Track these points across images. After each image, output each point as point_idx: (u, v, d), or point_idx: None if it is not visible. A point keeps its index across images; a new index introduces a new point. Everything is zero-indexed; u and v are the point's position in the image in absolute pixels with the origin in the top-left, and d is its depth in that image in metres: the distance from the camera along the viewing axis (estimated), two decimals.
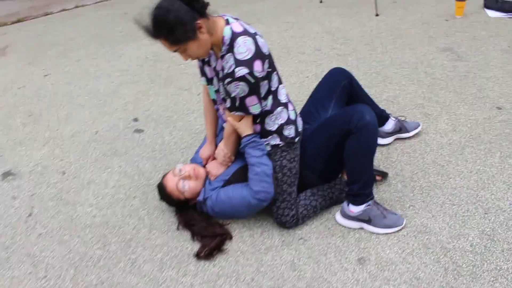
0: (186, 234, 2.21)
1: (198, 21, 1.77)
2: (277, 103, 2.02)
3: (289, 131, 2.07)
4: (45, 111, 3.67)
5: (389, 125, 2.52)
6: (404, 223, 2.05)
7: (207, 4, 1.82)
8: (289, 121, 2.07)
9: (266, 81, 1.93)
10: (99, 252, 2.21)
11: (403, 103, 2.95)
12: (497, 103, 2.81)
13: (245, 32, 1.83)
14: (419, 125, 2.60)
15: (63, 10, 6.73)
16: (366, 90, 2.49)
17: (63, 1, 7.27)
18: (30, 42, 5.44)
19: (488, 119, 2.68)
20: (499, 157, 2.38)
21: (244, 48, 1.79)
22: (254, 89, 1.86)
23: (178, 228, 2.24)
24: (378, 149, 2.55)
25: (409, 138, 2.60)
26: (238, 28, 1.84)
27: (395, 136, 2.57)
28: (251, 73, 1.79)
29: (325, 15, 4.69)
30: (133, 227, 2.32)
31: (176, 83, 3.76)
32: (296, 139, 2.10)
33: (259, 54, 1.81)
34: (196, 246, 2.12)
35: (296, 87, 3.37)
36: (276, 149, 2.07)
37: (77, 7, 6.78)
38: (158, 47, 4.42)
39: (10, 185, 2.82)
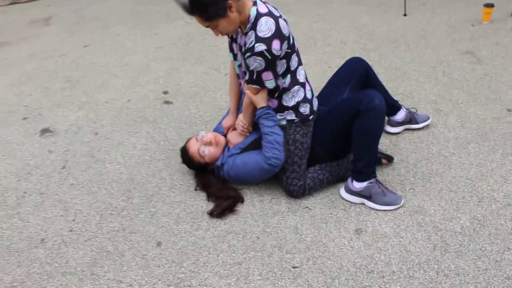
0: (202, 195, 2.43)
1: (229, 1, 1.98)
2: (295, 82, 2.21)
3: (305, 109, 2.26)
4: (82, 78, 3.93)
5: (400, 115, 2.69)
6: (402, 202, 2.22)
7: None
8: (305, 100, 2.26)
9: (284, 60, 2.12)
10: (123, 204, 2.44)
11: (417, 98, 3.10)
12: (508, 106, 2.94)
13: (269, 14, 2.02)
14: (428, 118, 2.75)
15: None
16: (385, 83, 2.66)
17: None
18: (72, 15, 5.73)
19: (497, 119, 2.82)
20: (501, 154, 2.53)
21: (265, 27, 1.98)
22: (270, 65, 2.05)
23: (196, 189, 2.46)
24: (387, 137, 2.72)
25: (418, 129, 2.76)
26: (263, 9, 2.04)
27: (405, 126, 2.74)
28: (269, 50, 1.99)
29: (355, 11, 4.84)
30: (155, 185, 2.55)
31: (206, 63, 3.98)
32: (311, 117, 2.29)
33: (279, 34, 2.00)
34: (210, 206, 2.34)
35: (318, 75, 3.55)
36: (291, 124, 2.26)
37: None
38: (192, 28, 4.66)
39: (47, 140, 3.08)
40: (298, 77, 2.22)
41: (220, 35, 2.11)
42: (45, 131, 3.21)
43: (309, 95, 2.28)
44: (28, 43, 4.92)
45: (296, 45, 2.18)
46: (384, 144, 2.65)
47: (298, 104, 2.24)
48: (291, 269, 1.97)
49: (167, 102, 3.40)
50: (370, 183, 2.21)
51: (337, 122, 2.26)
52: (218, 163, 2.39)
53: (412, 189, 2.34)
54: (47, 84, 3.90)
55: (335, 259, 1.99)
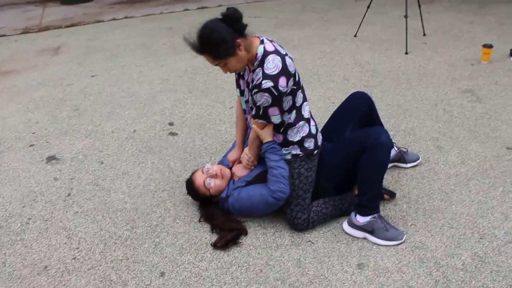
0: (206, 227, 2.45)
1: (238, 40, 2.06)
2: (300, 117, 2.27)
3: (309, 144, 2.31)
4: (89, 107, 4.00)
5: (391, 154, 2.74)
6: (404, 238, 2.25)
7: (246, 25, 2.12)
8: (310, 135, 2.31)
9: (290, 97, 2.19)
10: (127, 233, 2.46)
11: (418, 135, 3.16)
12: (507, 144, 3.00)
13: (276, 52, 2.10)
14: (418, 159, 2.83)
15: (113, 19, 7.18)
16: (386, 119, 2.73)
17: (114, 11, 7.76)
18: (80, 45, 5.85)
19: (497, 157, 2.86)
20: (501, 191, 2.56)
21: (272, 64, 2.06)
22: (276, 101, 2.12)
23: (200, 220, 2.49)
24: (389, 172, 2.76)
25: (419, 166, 2.81)
26: (270, 47, 2.12)
27: (393, 164, 2.80)
28: (275, 86, 2.06)
29: (358, 48, 4.96)
30: (160, 215, 2.58)
31: (211, 95, 4.06)
32: (315, 152, 2.34)
33: (285, 71, 2.08)
34: (214, 237, 2.36)
35: (321, 110, 3.61)
36: (296, 158, 2.31)
37: (126, 17, 7.22)
38: (198, 61, 4.75)
39: (53, 168, 3.12)
40: (303, 112, 2.28)
41: (228, 72, 2.19)
42: (51, 158, 3.25)
43: (313, 130, 2.34)
44: (37, 72, 5.02)
45: (301, 82, 2.25)
46: (386, 180, 2.69)
47: (303, 139, 2.29)
48: None
49: (172, 134, 3.45)
50: (373, 217, 2.24)
51: (344, 157, 2.32)
52: (223, 195, 2.42)
53: (414, 224, 2.36)
54: (55, 112, 3.96)
55: None
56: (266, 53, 2.10)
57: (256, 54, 2.13)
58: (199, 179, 2.45)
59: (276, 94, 2.09)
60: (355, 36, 5.36)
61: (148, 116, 3.75)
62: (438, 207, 2.47)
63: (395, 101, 3.68)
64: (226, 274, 2.14)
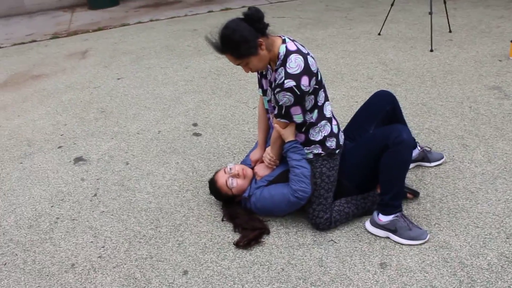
0: (229, 226, 2.47)
1: (260, 39, 2.08)
2: (322, 117, 2.28)
3: (331, 143, 2.31)
4: (115, 109, 4.08)
5: (414, 153, 2.70)
6: (427, 237, 2.22)
7: (267, 25, 2.13)
8: (331, 134, 2.31)
9: (312, 96, 2.19)
10: (151, 232, 2.51)
11: (443, 133, 3.11)
12: None
13: (298, 51, 2.11)
14: (442, 157, 2.78)
15: (139, 22, 7.29)
16: (410, 118, 2.70)
17: (139, 14, 7.88)
18: (107, 49, 5.97)
19: None
20: None
21: (294, 64, 2.07)
22: (299, 100, 2.13)
23: (222, 220, 2.51)
24: (413, 171, 2.73)
25: (443, 164, 2.77)
26: (292, 47, 2.13)
27: (417, 163, 2.76)
28: (298, 86, 2.07)
29: (381, 47, 4.91)
30: (183, 215, 2.61)
31: (235, 96, 4.08)
32: (337, 151, 2.33)
33: (307, 71, 2.09)
34: (236, 237, 2.38)
35: (345, 110, 3.60)
36: (318, 158, 2.31)
37: (151, 20, 7.33)
38: (221, 63, 4.80)
39: (80, 169, 3.20)
40: (325, 112, 2.28)
41: (250, 71, 2.20)
42: (78, 159, 3.33)
43: (335, 130, 2.34)
44: (65, 75, 5.14)
45: (323, 81, 2.26)
46: (410, 179, 2.66)
47: (324, 139, 2.29)
48: None
49: (196, 134, 3.49)
50: (395, 217, 2.22)
51: (365, 156, 2.30)
52: (246, 194, 2.44)
53: (438, 224, 2.33)
54: (82, 114, 4.06)
55: None
56: (288, 52, 2.11)
57: (278, 53, 2.14)
58: (222, 178, 2.48)
59: (299, 93, 2.09)
60: (379, 34, 5.31)
61: (172, 117, 3.80)
62: (463, 206, 2.43)
63: (419, 100, 3.63)
64: (248, 273, 2.16)
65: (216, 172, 2.57)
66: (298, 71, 2.07)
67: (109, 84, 4.71)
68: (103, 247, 2.45)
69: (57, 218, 2.72)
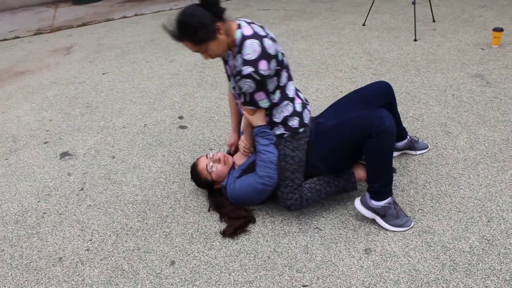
0: (215, 216, 2.49)
1: (218, 24, 2.07)
2: (284, 97, 2.27)
3: (293, 122, 2.29)
4: (101, 104, 4.07)
5: (402, 143, 2.73)
6: (412, 224, 2.25)
7: (224, 9, 2.12)
8: (294, 113, 2.30)
9: (275, 78, 2.19)
10: (139, 224, 2.52)
11: (427, 121, 3.15)
12: None
13: (254, 35, 2.09)
14: (427, 147, 2.82)
15: (123, 17, 7.24)
16: None
17: (124, 9, 7.84)
18: (92, 44, 5.93)
19: (506, 141, 2.84)
20: (511, 174, 2.55)
21: (250, 49, 2.06)
22: (260, 85, 2.13)
23: (209, 210, 2.53)
24: (397, 159, 2.77)
25: (427, 152, 2.80)
26: (248, 31, 2.11)
27: (403, 151, 2.79)
28: (256, 71, 2.07)
29: (366, 37, 4.94)
30: (170, 206, 2.62)
31: (220, 88, 4.09)
32: (300, 130, 2.31)
33: (264, 54, 2.07)
34: (223, 226, 2.40)
35: (330, 100, 3.62)
36: (281, 139, 2.31)
37: (136, 15, 7.29)
38: None
39: (67, 164, 3.19)
40: (287, 92, 2.28)
41: (210, 58, 2.19)
42: (64, 154, 3.32)
43: (298, 108, 2.32)
44: (50, 71, 5.10)
45: (285, 61, 2.25)
46: (393, 165, 2.70)
47: (286, 119, 2.29)
48: (301, 287, 2.00)
49: (182, 127, 3.50)
50: (388, 204, 2.22)
51: (344, 141, 2.26)
52: (224, 183, 2.46)
53: (421, 209, 2.37)
54: (68, 109, 4.04)
55: (345, 278, 2.03)
56: (243, 38, 2.10)
57: (235, 39, 2.14)
58: (202, 163, 2.50)
59: (259, 78, 2.09)
60: (363, 25, 5.34)
61: (158, 111, 3.80)
62: (446, 192, 2.47)
63: (403, 88, 3.67)
64: (235, 262, 2.18)
65: (198, 158, 2.59)
66: (254, 57, 2.06)
67: (94, 79, 4.68)
68: (91, 240, 2.46)
69: (44, 213, 2.72)
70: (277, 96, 2.25)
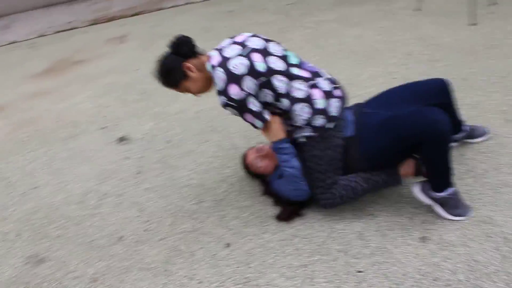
0: (269, 201, 2.52)
1: (186, 63, 2.13)
2: (293, 101, 2.16)
3: (317, 121, 2.17)
4: (155, 91, 4.17)
5: (460, 135, 2.63)
6: (471, 214, 2.20)
7: (193, 46, 2.17)
8: (314, 112, 2.17)
9: (266, 91, 2.12)
10: (195, 207, 2.59)
11: (486, 108, 3.04)
12: None
13: (220, 63, 2.08)
14: (486, 133, 2.69)
15: (175, 6, 7.37)
16: None
17: None
18: (145, 33, 6.08)
19: None
20: None
21: (217, 79, 2.08)
22: (243, 109, 2.11)
23: (263, 194, 2.56)
24: (454, 148, 2.70)
25: (486, 139, 2.72)
26: (215, 60, 2.11)
27: (462, 141, 2.69)
28: (230, 98, 2.06)
29: (420, 22, 4.81)
30: (225, 190, 2.68)
31: None
32: (328, 125, 2.18)
33: (231, 78, 2.04)
34: (277, 211, 2.43)
35: (383, 86, 3.52)
36: (310, 141, 2.21)
37: (187, 3, 7.39)
38: None
39: (124, 148, 3.31)
40: (294, 94, 2.16)
41: (199, 95, 2.30)
42: (121, 139, 3.44)
43: (320, 105, 2.17)
44: (105, 60, 5.28)
45: (276, 67, 2.13)
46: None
47: (309, 120, 2.18)
48: (356, 273, 2.01)
49: None
50: (449, 195, 2.15)
51: (393, 141, 2.11)
52: (270, 178, 2.48)
53: (480, 199, 2.31)
54: (123, 96, 4.17)
55: (400, 265, 2.01)
56: (213, 70, 2.10)
57: (209, 72, 2.15)
58: (251, 156, 2.53)
59: (236, 104, 2.07)
60: (417, 10, 5.19)
61: (211, 97, 3.83)
62: (507, 182, 2.39)
63: (460, 75, 3.56)
64: (290, 245, 2.21)
65: (249, 149, 2.62)
66: (222, 85, 2.05)
67: (149, 66, 4.80)
68: (148, 221, 2.55)
69: (104, 194, 2.84)
70: (285, 103, 2.16)
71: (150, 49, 5.33)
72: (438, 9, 5.12)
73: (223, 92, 2.07)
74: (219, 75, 2.06)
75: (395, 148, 2.14)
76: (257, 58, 2.10)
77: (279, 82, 2.13)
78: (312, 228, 2.29)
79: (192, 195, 2.69)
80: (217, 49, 2.19)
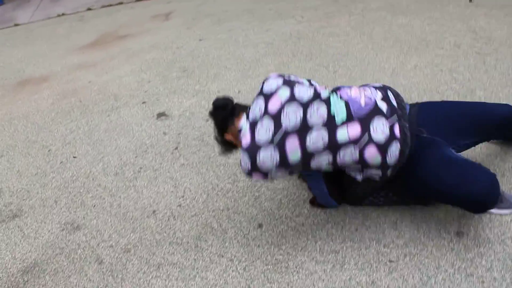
0: (304, 185, 2.51)
1: (227, 136, 2.09)
2: (344, 168, 1.98)
3: (371, 172, 1.95)
4: (196, 69, 4.19)
5: None
6: None
7: (231, 113, 2.08)
8: (369, 169, 1.93)
9: (289, 168, 1.90)
10: (229, 186, 2.60)
11: None
12: None
13: (247, 148, 1.86)
14: None
15: None
16: (499, 88, 2.54)
17: None
18: (190, 11, 6.10)
19: None
20: None
21: (242, 161, 1.90)
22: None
23: (299, 177, 2.55)
24: (496, 144, 2.61)
25: None
26: (245, 142, 1.88)
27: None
28: (249, 174, 1.92)
29: (472, 14, 4.64)
30: None
31: (315, 60, 4.05)
32: (388, 172, 1.93)
33: (256, 169, 1.86)
34: (311, 195, 2.41)
35: (428, 78, 3.47)
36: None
37: None
38: (303, 26, 4.75)
39: (163, 123, 3.35)
40: (343, 164, 1.93)
41: None
42: (161, 114, 3.48)
43: (375, 162, 1.87)
44: (149, 35, 5.33)
45: (315, 148, 1.84)
46: (490, 155, 2.55)
47: (365, 178, 2.00)
48: (387, 262, 1.99)
49: None
50: None
51: (439, 193, 1.90)
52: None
53: None
54: (165, 72, 4.21)
55: (433, 258, 1.98)
56: (241, 144, 1.92)
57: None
58: None
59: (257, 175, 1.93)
60: (470, 1, 5.01)
61: (252, 78, 3.85)
62: None
63: (511, 70, 3.42)
64: (322, 230, 2.20)
65: None
66: (246, 170, 1.89)
67: (191, 44, 4.83)
68: (183, 196, 2.58)
69: (141, 168, 2.89)
70: (325, 166, 1.94)
71: (194, 28, 5.35)
72: (492, 1, 4.93)
73: (247, 174, 1.92)
74: (245, 160, 1.86)
75: (440, 197, 1.95)
76: (291, 145, 1.83)
77: (321, 161, 1.89)
78: (346, 214, 2.27)
79: (227, 174, 2.70)
80: (247, 117, 1.95)
